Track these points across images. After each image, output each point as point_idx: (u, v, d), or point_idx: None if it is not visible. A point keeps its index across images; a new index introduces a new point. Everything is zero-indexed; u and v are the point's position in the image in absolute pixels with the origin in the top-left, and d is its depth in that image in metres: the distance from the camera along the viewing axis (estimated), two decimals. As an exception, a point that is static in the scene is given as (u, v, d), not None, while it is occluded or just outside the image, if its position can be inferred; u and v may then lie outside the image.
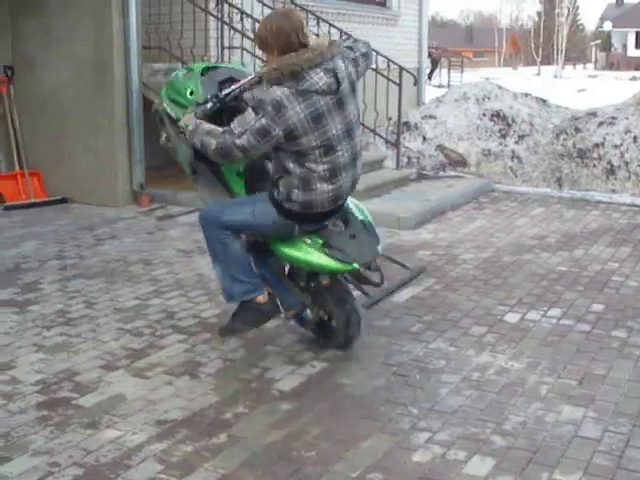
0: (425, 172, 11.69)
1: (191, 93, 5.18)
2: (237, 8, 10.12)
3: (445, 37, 74.86)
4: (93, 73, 9.73)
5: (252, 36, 9.92)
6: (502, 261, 7.59)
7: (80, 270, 7.13)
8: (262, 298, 5.08)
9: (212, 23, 10.73)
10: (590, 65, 78.86)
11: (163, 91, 5.44)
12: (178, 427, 4.31)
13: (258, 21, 9.84)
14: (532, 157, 11.51)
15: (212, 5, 10.45)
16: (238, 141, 4.63)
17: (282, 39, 4.66)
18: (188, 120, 4.91)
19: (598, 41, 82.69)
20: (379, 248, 5.14)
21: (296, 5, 11.32)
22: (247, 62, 7.90)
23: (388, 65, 11.34)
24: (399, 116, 11.32)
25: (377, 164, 11.01)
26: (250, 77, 4.97)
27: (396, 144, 11.36)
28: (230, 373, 5.02)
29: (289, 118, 4.57)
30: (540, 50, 76.80)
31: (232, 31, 10.41)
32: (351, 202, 5.21)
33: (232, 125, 4.69)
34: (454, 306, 6.31)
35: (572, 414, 4.50)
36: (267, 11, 10.75)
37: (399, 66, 11.20)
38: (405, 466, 3.96)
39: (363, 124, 11.03)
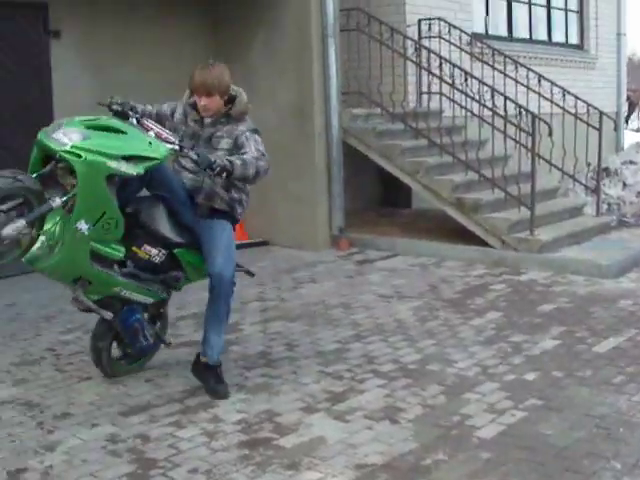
0: (626, 219, 11.42)
1: (149, 144, 5.14)
2: (436, 54, 10.21)
3: (643, 79, 72.88)
4: (295, 119, 9.97)
5: (450, 81, 10.02)
6: None
7: (281, 312, 7.30)
8: None
9: (410, 69, 10.88)
10: None
11: (99, 157, 4.79)
12: (378, 471, 4.34)
13: (457, 66, 9.96)
14: None
15: (410, 51, 10.59)
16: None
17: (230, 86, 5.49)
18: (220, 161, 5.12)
19: None
20: None
21: (493, 50, 11.32)
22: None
23: (588, 110, 11.16)
24: (599, 162, 11.08)
25: (576, 211, 10.79)
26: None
27: (596, 190, 11.12)
28: (430, 419, 5.01)
29: None
30: None
31: (430, 76, 10.53)
32: None
33: (257, 152, 5.26)
34: (658, 358, 6.14)
35: None
36: (465, 57, 10.84)
37: (599, 110, 11.00)
38: (610, 522, 3.88)
39: (562, 170, 10.93)
